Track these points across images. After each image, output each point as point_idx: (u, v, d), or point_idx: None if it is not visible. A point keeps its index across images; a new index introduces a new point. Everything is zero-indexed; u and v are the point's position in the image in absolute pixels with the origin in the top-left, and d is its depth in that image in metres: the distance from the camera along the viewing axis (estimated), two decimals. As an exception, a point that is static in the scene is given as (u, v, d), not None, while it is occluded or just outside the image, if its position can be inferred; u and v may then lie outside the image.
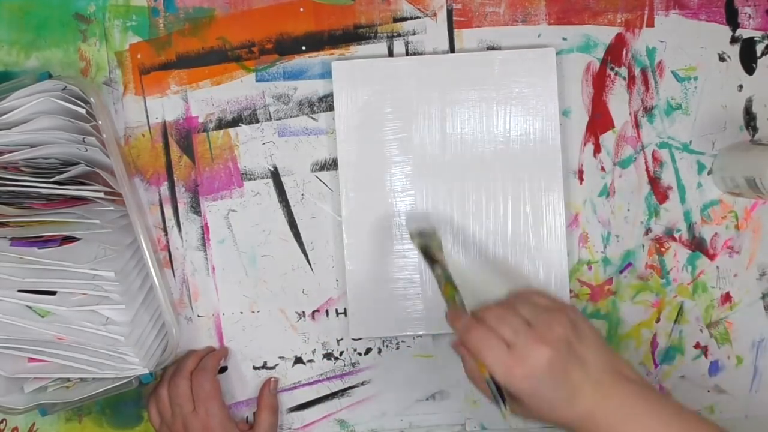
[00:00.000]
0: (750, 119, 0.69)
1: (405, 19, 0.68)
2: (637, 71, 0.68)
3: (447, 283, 0.58)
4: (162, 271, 0.69)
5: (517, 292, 0.55)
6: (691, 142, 0.69)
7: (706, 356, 0.70)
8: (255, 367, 0.70)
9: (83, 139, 0.61)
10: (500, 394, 0.51)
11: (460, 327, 0.53)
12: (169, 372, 0.67)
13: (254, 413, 0.70)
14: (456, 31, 0.68)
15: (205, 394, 0.65)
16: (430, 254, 0.61)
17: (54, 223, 0.60)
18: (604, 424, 0.50)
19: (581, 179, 0.69)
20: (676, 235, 0.69)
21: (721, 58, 0.68)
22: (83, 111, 0.61)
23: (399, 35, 0.68)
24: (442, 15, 0.68)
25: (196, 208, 0.69)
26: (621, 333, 0.70)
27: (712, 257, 0.69)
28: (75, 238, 0.61)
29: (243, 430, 0.68)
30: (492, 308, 0.53)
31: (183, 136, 0.68)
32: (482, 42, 0.68)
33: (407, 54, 0.68)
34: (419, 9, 0.68)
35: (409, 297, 0.68)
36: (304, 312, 0.70)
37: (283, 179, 0.69)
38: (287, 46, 0.68)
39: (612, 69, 0.68)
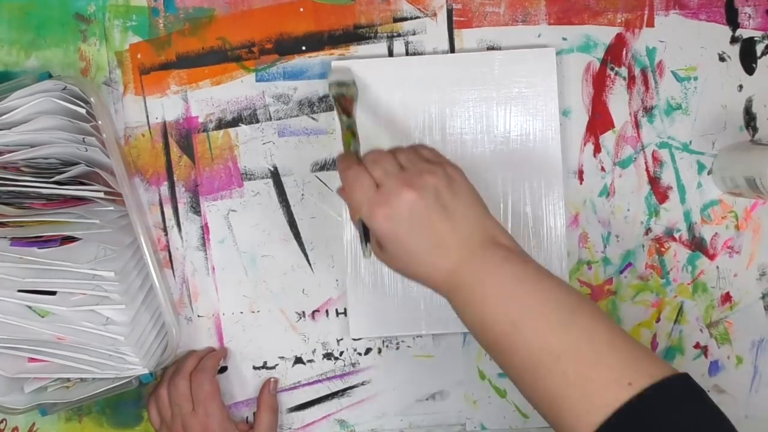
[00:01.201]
0: (750, 119, 0.69)
1: (405, 19, 0.68)
2: (637, 71, 0.68)
3: (348, 132, 0.58)
4: (162, 271, 0.69)
5: (408, 145, 0.55)
6: (691, 142, 0.69)
7: (706, 356, 0.70)
8: (255, 367, 0.70)
9: (83, 139, 0.61)
10: (366, 235, 0.52)
11: (342, 167, 0.53)
12: (169, 372, 0.67)
13: (254, 413, 0.70)
14: (456, 31, 0.68)
15: (204, 394, 0.65)
16: (343, 104, 0.61)
17: (54, 223, 0.60)
18: (465, 283, 0.49)
19: (581, 179, 0.69)
20: (676, 235, 0.69)
21: (721, 58, 0.68)
22: (83, 111, 0.61)
23: (399, 35, 0.68)
24: (442, 15, 0.68)
25: (196, 208, 0.69)
26: (621, 333, 0.70)
27: (712, 257, 0.69)
28: (75, 238, 0.62)
29: (242, 431, 0.68)
30: (373, 152, 0.53)
31: (183, 136, 0.68)
32: (482, 42, 0.68)
33: (407, 54, 0.68)
34: (419, 9, 0.68)
35: (409, 297, 0.68)
36: (304, 312, 0.70)
37: (283, 179, 0.69)
38: (287, 46, 0.68)
39: (612, 69, 0.68)
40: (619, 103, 0.69)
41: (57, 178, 0.61)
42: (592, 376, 0.45)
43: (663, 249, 0.69)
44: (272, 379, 0.70)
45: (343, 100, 0.62)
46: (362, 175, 0.51)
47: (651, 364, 0.45)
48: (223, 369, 0.70)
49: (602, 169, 0.69)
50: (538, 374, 0.46)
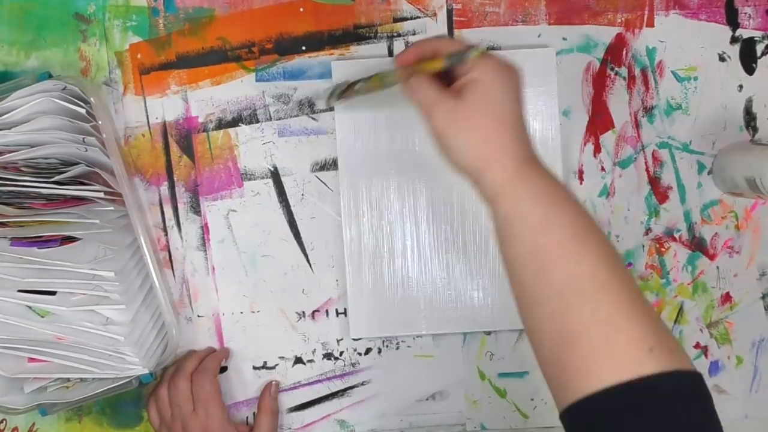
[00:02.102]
0: (750, 119, 0.69)
1: (405, 19, 0.68)
2: (637, 71, 0.68)
3: (373, 77, 0.57)
4: (162, 271, 0.69)
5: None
6: (691, 142, 0.69)
7: (706, 356, 0.70)
8: (255, 367, 0.70)
9: (83, 139, 0.61)
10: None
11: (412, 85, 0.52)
12: (169, 372, 0.67)
13: (254, 414, 0.70)
14: (456, 31, 0.68)
15: (205, 395, 0.65)
16: (342, 90, 0.61)
17: (54, 223, 0.60)
18: (540, 179, 0.48)
19: (581, 179, 0.69)
20: (676, 235, 0.69)
21: (721, 58, 0.68)
22: (83, 111, 0.60)
23: (399, 35, 0.68)
24: (442, 15, 0.68)
25: (196, 208, 0.69)
26: (621, 333, 0.69)
27: (712, 257, 0.69)
28: (75, 238, 0.61)
29: (242, 432, 0.68)
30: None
31: (183, 136, 0.68)
32: (482, 42, 0.68)
33: (407, 54, 0.68)
34: (419, 9, 0.68)
35: (409, 297, 0.68)
36: (304, 312, 0.70)
37: (283, 179, 0.69)
38: (287, 46, 0.68)
39: (612, 69, 0.68)
40: (619, 103, 0.68)
41: (57, 178, 0.61)
42: (621, 326, 0.43)
43: (663, 249, 0.69)
44: (273, 383, 0.70)
45: (340, 91, 0.61)
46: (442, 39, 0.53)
47: (672, 341, 0.44)
48: (223, 369, 0.70)
49: (602, 169, 0.69)
50: (571, 301, 0.44)
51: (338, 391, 0.70)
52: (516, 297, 0.48)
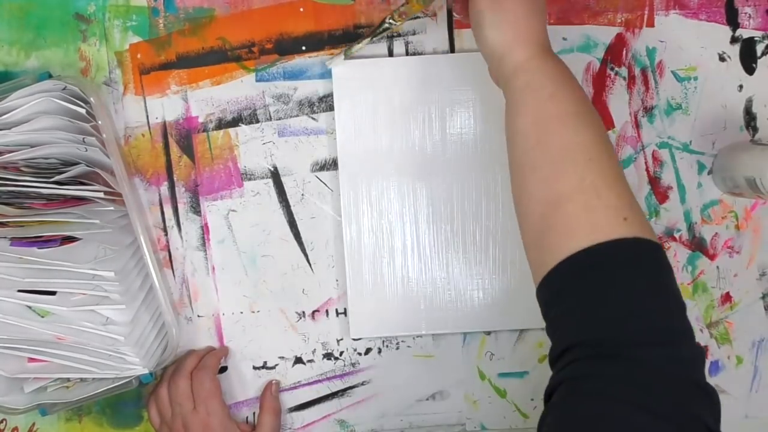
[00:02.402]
0: (750, 119, 0.69)
1: (405, 19, 0.68)
2: (637, 71, 0.68)
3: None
4: (162, 271, 0.69)
5: None
6: (691, 142, 0.69)
7: (706, 356, 0.70)
8: (255, 367, 0.70)
9: (83, 139, 0.61)
10: None
11: None
12: (169, 371, 0.67)
13: (255, 414, 0.70)
14: (456, 31, 0.68)
15: (205, 392, 0.65)
16: (371, 32, 0.64)
17: (54, 223, 0.60)
18: (554, 60, 0.53)
19: (581, 179, 0.69)
20: (676, 235, 0.69)
21: (721, 58, 0.68)
22: (83, 111, 0.61)
23: (399, 35, 0.68)
24: (442, 15, 0.68)
25: (196, 208, 0.69)
26: (621, 333, 0.69)
27: (712, 257, 0.69)
28: (75, 238, 0.61)
29: (244, 431, 0.68)
30: None
31: (183, 136, 0.68)
32: (482, 42, 0.68)
33: (407, 54, 0.68)
34: (419, 9, 0.68)
35: (409, 297, 0.68)
36: (304, 312, 0.70)
37: (283, 179, 0.69)
38: (287, 46, 0.68)
39: (612, 69, 0.68)
40: (619, 103, 0.68)
41: (57, 178, 0.61)
42: (603, 194, 0.47)
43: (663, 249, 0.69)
44: (274, 382, 0.70)
45: (376, 32, 0.64)
46: None
47: (643, 216, 0.48)
48: (223, 369, 0.70)
49: (602, 169, 0.69)
50: (563, 167, 0.49)
51: (338, 391, 0.70)
52: (512, 168, 0.53)
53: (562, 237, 0.47)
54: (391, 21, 0.63)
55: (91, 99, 0.60)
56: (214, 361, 0.67)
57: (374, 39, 0.65)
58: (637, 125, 0.69)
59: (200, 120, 0.68)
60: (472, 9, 0.56)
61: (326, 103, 0.68)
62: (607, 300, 0.45)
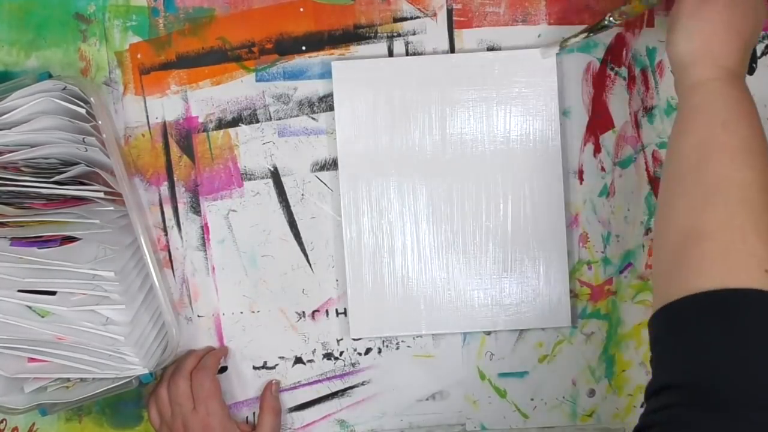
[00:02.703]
0: (750, 119, 0.69)
1: (405, 19, 0.68)
2: (637, 71, 0.68)
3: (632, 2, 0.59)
4: (162, 271, 0.69)
5: None
6: (691, 142, 0.69)
7: None
8: (255, 367, 0.70)
9: (83, 139, 0.61)
10: None
11: None
12: (169, 371, 0.67)
13: (255, 414, 0.70)
14: (456, 31, 0.68)
15: (205, 392, 0.65)
16: (589, 29, 0.62)
17: (54, 223, 0.60)
18: (740, 82, 0.51)
19: (581, 179, 0.69)
20: (676, 235, 0.69)
21: (721, 58, 0.68)
22: (83, 111, 0.61)
23: (399, 35, 0.68)
24: (442, 15, 0.68)
25: (196, 208, 0.69)
26: (621, 333, 0.70)
27: (712, 257, 0.69)
28: (75, 238, 0.62)
29: (244, 431, 0.68)
30: None
31: (183, 136, 0.68)
32: (482, 42, 0.68)
33: (407, 54, 0.68)
34: (419, 9, 0.68)
35: (409, 297, 0.68)
36: (304, 312, 0.70)
37: (283, 179, 0.69)
38: (287, 46, 0.68)
39: (612, 69, 0.68)
40: (619, 103, 0.68)
41: (57, 178, 0.61)
42: (749, 239, 0.44)
43: (663, 249, 0.69)
44: (273, 382, 0.70)
45: (594, 29, 0.62)
46: None
47: None
48: (223, 369, 0.70)
49: (602, 169, 0.69)
50: (713, 200, 0.46)
51: (338, 391, 0.70)
52: (663, 187, 0.51)
53: (694, 273, 0.45)
54: (611, 20, 0.60)
55: (91, 99, 0.60)
56: (214, 361, 0.67)
57: (591, 35, 0.63)
58: (637, 125, 0.69)
59: (200, 120, 0.68)
60: (673, 10, 0.54)
61: (326, 103, 0.68)
62: (725, 348, 0.42)
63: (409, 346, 0.70)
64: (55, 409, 0.64)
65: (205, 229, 0.69)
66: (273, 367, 0.70)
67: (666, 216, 0.49)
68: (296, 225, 0.69)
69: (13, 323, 0.61)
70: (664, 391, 0.42)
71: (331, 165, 0.69)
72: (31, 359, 0.64)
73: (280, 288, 0.69)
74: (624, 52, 0.68)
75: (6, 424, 0.70)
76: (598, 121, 0.69)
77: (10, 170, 0.61)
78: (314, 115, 0.68)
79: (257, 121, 0.68)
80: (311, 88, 0.68)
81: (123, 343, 0.61)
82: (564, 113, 0.68)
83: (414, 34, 0.68)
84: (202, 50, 0.68)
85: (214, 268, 0.69)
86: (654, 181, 0.69)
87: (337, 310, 0.70)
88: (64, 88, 0.61)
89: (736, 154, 0.48)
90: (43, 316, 0.61)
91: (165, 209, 0.69)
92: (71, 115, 0.61)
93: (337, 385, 0.70)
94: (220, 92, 0.68)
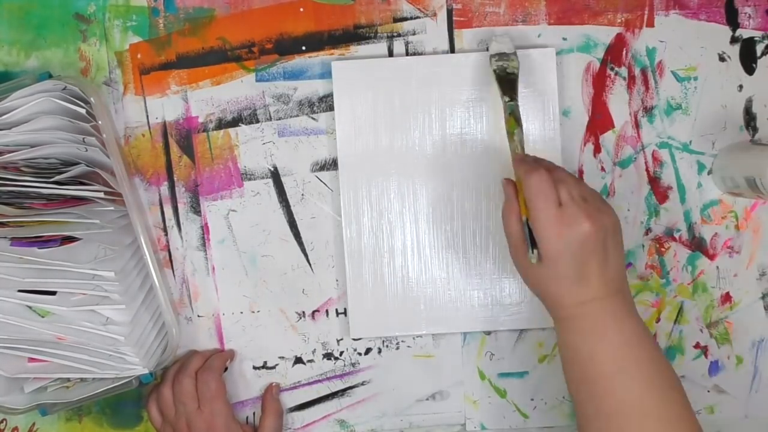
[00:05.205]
0: (750, 119, 0.69)
1: (405, 19, 0.68)
2: (637, 71, 0.68)
3: (511, 117, 0.60)
4: (162, 271, 0.69)
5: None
6: (691, 142, 0.69)
7: (706, 356, 0.70)
8: (255, 367, 0.70)
9: (83, 139, 0.61)
10: (532, 240, 0.55)
11: (525, 167, 0.56)
12: (173, 370, 0.67)
13: (255, 414, 0.70)
14: (456, 31, 0.68)
15: (210, 393, 0.65)
16: (505, 82, 0.62)
17: (54, 223, 0.60)
18: (590, 316, 0.54)
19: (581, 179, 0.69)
20: (676, 235, 0.69)
21: (721, 58, 0.68)
22: (83, 111, 0.61)
23: (399, 35, 0.68)
24: (442, 15, 0.68)
25: (196, 208, 0.69)
26: (621, 333, 0.69)
27: (712, 257, 0.69)
28: (75, 238, 0.61)
29: (246, 432, 0.68)
30: (560, 169, 0.57)
31: (183, 136, 0.68)
32: (482, 42, 0.68)
33: (407, 54, 0.68)
34: (419, 9, 0.68)
35: (409, 297, 0.68)
36: (304, 312, 0.70)
37: (283, 179, 0.69)
38: (287, 46, 0.68)
39: (612, 69, 0.68)
40: (619, 103, 0.69)
41: (57, 178, 0.61)
42: None
43: (663, 249, 0.69)
44: (274, 384, 0.70)
45: (504, 75, 0.63)
46: (548, 186, 0.54)
47: None
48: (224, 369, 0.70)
49: (602, 169, 0.69)
50: (619, 423, 0.52)
51: (338, 391, 0.70)
52: (574, 407, 0.56)
53: None
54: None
55: (91, 99, 0.60)
56: (220, 363, 0.67)
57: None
58: (637, 125, 0.69)
59: (200, 120, 0.68)
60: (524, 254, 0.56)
61: (326, 103, 0.68)
62: None
63: (409, 346, 0.70)
64: (55, 409, 0.64)
65: (205, 229, 0.69)
66: (273, 367, 0.70)
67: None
68: (296, 225, 0.69)
69: (13, 323, 0.61)
70: None
71: (331, 165, 0.69)
72: (31, 359, 0.64)
73: (280, 288, 0.69)
74: (624, 52, 0.68)
75: (6, 424, 0.70)
76: (598, 121, 0.69)
77: (10, 170, 0.61)
78: (314, 115, 0.68)
79: (257, 121, 0.68)
80: (311, 88, 0.68)
81: (123, 343, 0.61)
82: (564, 113, 0.68)
83: (414, 34, 0.68)
84: (202, 50, 0.68)
85: (214, 268, 0.69)
86: (654, 181, 0.69)
87: (337, 310, 0.70)
88: (64, 88, 0.60)
89: (614, 378, 0.53)
90: (43, 316, 0.61)
91: (165, 209, 0.69)
92: (71, 115, 0.61)
93: (337, 385, 0.70)
94: (220, 92, 0.68)
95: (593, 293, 0.54)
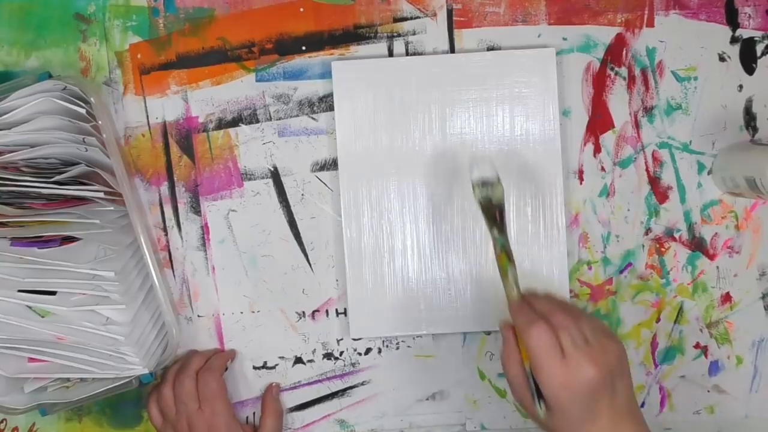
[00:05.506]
0: (750, 119, 0.69)
1: (405, 19, 0.68)
2: (637, 71, 0.68)
3: (503, 253, 0.58)
4: (162, 271, 0.69)
5: (578, 307, 0.58)
6: (691, 142, 0.69)
7: (706, 356, 0.70)
8: (255, 367, 0.70)
9: (83, 139, 0.61)
10: (537, 392, 0.53)
11: (523, 319, 0.54)
12: (173, 370, 0.67)
13: (255, 414, 0.70)
14: (456, 31, 0.68)
15: (211, 393, 0.65)
16: (491, 212, 0.59)
17: (54, 223, 0.60)
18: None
19: (581, 179, 0.69)
20: (676, 235, 0.69)
21: (721, 58, 0.68)
22: (83, 111, 0.61)
23: (399, 35, 0.68)
24: (442, 15, 0.68)
25: (196, 208, 0.69)
26: (621, 333, 0.70)
27: (712, 257, 0.69)
28: (75, 238, 0.62)
29: (247, 432, 0.68)
30: (558, 313, 0.54)
31: (183, 136, 0.68)
32: (482, 42, 0.68)
33: (407, 54, 0.68)
34: (419, 9, 0.68)
35: (409, 297, 0.68)
36: (304, 312, 0.70)
37: (283, 179, 0.69)
38: (287, 46, 0.68)
39: (612, 69, 0.68)
40: (619, 103, 0.69)
41: (57, 178, 0.61)
42: None
43: (663, 249, 0.69)
44: (274, 384, 0.70)
45: (490, 207, 0.60)
46: (549, 339, 0.53)
47: None
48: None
49: (602, 169, 0.69)
50: None
51: (338, 391, 0.70)
52: None
53: None
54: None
55: (91, 99, 0.60)
56: (221, 363, 0.67)
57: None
58: (637, 125, 0.69)
59: (200, 120, 0.68)
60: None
61: (326, 103, 0.68)
62: None
63: (409, 346, 0.70)
64: (55, 409, 0.64)
65: (205, 229, 0.69)
66: (273, 367, 0.70)
67: None
68: (296, 225, 0.69)
69: (13, 323, 0.61)
70: None
71: (331, 165, 0.69)
72: (31, 359, 0.64)
73: (280, 288, 0.69)
74: (624, 52, 0.68)
75: (6, 424, 0.70)
76: (598, 121, 0.69)
77: (10, 170, 0.61)
78: (314, 115, 0.68)
79: (257, 121, 0.68)
80: (311, 88, 0.68)
81: (123, 343, 0.61)
82: (564, 113, 0.68)
83: (414, 34, 0.68)
84: (202, 50, 0.68)
85: (214, 268, 0.69)
86: (654, 181, 0.69)
87: (337, 310, 0.70)
88: (64, 88, 0.61)
89: None
90: (43, 316, 0.61)
91: (165, 209, 0.69)
92: (71, 115, 0.61)
93: (337, 385, 0.70)
94: (220, 92, 0.68)
95: (604, 424, 0.53)
